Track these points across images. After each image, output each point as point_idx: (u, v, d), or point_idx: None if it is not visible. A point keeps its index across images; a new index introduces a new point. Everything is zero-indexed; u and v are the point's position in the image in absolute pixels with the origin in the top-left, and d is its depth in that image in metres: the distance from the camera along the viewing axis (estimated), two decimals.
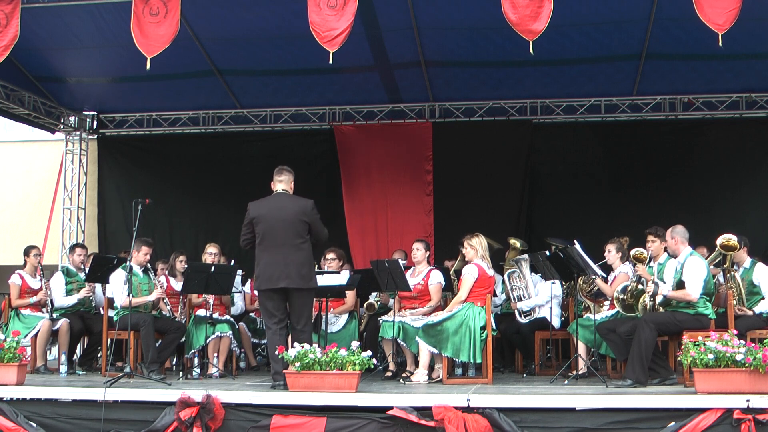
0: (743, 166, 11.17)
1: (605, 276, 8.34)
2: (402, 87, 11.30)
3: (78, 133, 12.59)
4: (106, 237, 12.49)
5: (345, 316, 8.97)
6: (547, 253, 8.71)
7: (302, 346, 6.91)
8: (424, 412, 6.43)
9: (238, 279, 9.08)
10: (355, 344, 7.01)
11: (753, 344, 6.51)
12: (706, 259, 7.94)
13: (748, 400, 6.13)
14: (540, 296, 9.03)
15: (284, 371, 6.96)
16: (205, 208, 12.28)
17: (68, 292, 9.27)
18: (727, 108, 11.24)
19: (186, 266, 8.89)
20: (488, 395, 6.70)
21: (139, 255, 8.66)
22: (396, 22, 9.57)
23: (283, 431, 6.56)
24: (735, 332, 6.67)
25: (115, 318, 8.57)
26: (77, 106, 12.29)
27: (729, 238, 7.99)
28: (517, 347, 9.24)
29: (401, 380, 8.07)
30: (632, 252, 7.97)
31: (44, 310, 9.10)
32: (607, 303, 8.41)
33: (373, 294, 9.37)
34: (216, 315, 8.82)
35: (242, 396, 6.87)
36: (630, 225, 9.66)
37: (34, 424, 6.91)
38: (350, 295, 8.94)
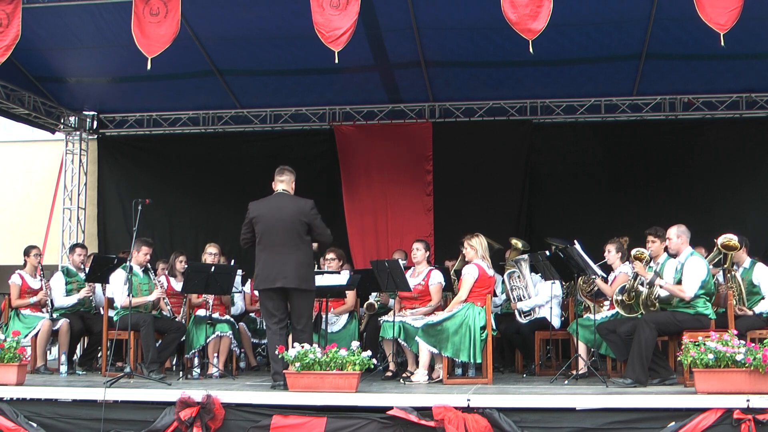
0: (743, 166, 11.17)
1: (605, 276, 8.34)
2: (402, 87, 11.30)
3: (78, 133, 12.60)
4: (106, 237, 12.49)
5: (345, 316, 8.97)
6: (547, 253, 8.70)
7: (302, 346, 6.91)
8: (424, 412, 6.43)
9: (238, 279, 9.08)
10: (355, 344, 7.01)
11: (753, 344, 6.51)
12: (705, 258, 7.93)
13: (748, 400, 6.13)
14: (540, 296, 9.03)
15: (284, 371, 6.96)
16: (205, 208, 12.28)
17: (68, 292, 9.27)
18: (727, 108, 11.24)
19: (186, 266, 8.89)
20: (488, 395, 6.70)
21: (139, 255, 8.66)
22: (396, 22, 9.57)
23: (283, 431, 6.56)
24: (735, 332, 6.67)
25: (115, 318, 8.57)
26: (77, 106, 12.29)
27: (730, 238, 8.00)
28: (517, 347, 9.24)
29: (401, 380, 8.06)
30: (633, 252, 7.97)
31: (44, 310, 9.10)
32: (607, 303, 8.41)
33: (373, 294, 9.37)
34: (216, 315, 8.82)
35: (242, 396, 6.87)
36: (630, 225, 9.66)
37: (34, 424, 6.91)
38: (350, 295, 8.94)
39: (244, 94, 11.72)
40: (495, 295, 9.07)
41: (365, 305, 9.36)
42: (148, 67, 7.81)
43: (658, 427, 6.21)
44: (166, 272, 9.28)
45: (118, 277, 8.62)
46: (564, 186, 11.59)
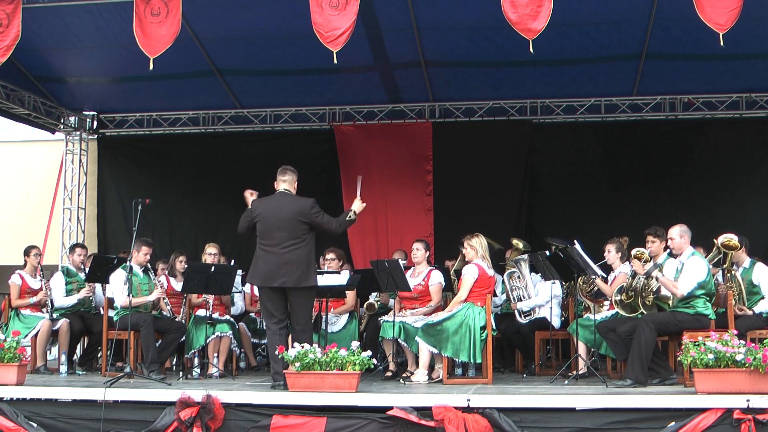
0: (743, 166, 11.17)
1: (605, 276, 8.34)
2: (402, 87, 11.30)
3: (78, 133, 12.59)
4: (106, 237, 12.48)
5: (345, 316, 8.97)
6: (547, 253, 8.70)
7: (302, 346, 6.91)
8: (424, 412, 6.43)
9: (238, 279, 9.08)
10: (355, 344, 7.01)
11: (753, 344, 6.51)
12: (705, 258, 7.93)
13: (748, 400, 6.13)
14: (540, 296, 9.03)
15: (284, 371, 6.96)
16: (205, 208, 12.28)
17: (68, 292, 9.27)
18: (727, 108, 11.24)
19: (186, 266, 8.89)
20: (488, 395, 6.71)
21: (139, 255, 8.66)
22: (396, 22, 9.57)
23: (283, 431, 6.56)
24: (735, 332, 6.67)
25: (115, 318, 8.57)
26: (77, 106, 12.29)
27: (730, 238, 8.00)
28: (517, 347, 9.24)
29: (401, 380, 8.07)
30: (633, 252, 7.97)
31: (44, 310, 9.10)
32: (607, 303, 8.41)
33: (373, 294, 9.37)
34: (216, 315, 8.82)
35: (242, 396, 6.87)
36: (630, 225, 9.65)
37: (34, 424, 6.91)
38: (350, 295, 8.94)
39: (244, 94, 11.72)
40: (495, 295, 9.07)
41: (365, 305, 9.36)
42: (151, 67, 7.82)
43: (658, 427, 6.22)
44: (166, 272, 9.28)
45: (118, 277, 8.62)
46: (564, 186, 11.59)
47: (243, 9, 9.24)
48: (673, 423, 6.18)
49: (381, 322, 8.50)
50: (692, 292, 7.37)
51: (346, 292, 8.77)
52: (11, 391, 7.14)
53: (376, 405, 6.59)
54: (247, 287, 9.70)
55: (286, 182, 7.59)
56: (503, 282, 9.40)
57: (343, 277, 8.35)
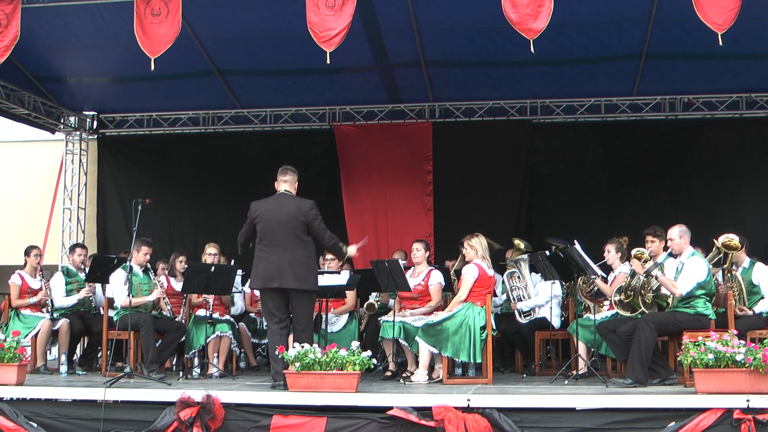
0: (743, 166, 11.17)
1: (605, 276, 8.34)
2: (402, 87, 11.30)
3: (78, 133, 12.59)
4: (106, 237, 12.49)
5: (345, 316, 8.97)
6: (547, 253, 8.70)
7: (302, 346, 6.91)
8: (424, 412, 6.43)
9: (238, 279, 9.09)
10: (355, 344, 7.01)
11: (753, 344, 6.51)
12: (704, 258, 7.93)
13: (748, 400, 6.13)
14: (540, 296, 9.03)
15: (284, 371, 6.96)
16: (205, 208, 12.28)
17: (68, 293, 9.28)
18: (727, 108, 11.24)
19: (186, 266, 8.89)
20: (488, 395, 6.70)
21: (139, 255, 8.66)
22: (396, 22, 9.57)
23: (283, 431, 6.56)
24: (735, 332, 6.67)
25: (115, 318, 8.57)
26: (77, 106, 12.29)
27: (731, 238, 8.00)
28: (517, 347, 9.24)
29: (401, 380, 8.07)
30: (633, 252, 7.97)
31: (44, 310, 9.10)
32: (607, 303, 8.41)
33: (373, 294, 9.38)
34: (216, 315, 8.82)
35: (242, 396, 6.87)
36: (630, 225, 9.64)
37: (35, 424, 6.91)
38: (350, 295, 8.95)
39: (244, 94, 11.72)
40: (495, 295, 9.07)
41: (365, 305, 9.36)
42: (152, 67, 7.82)
43: (658, 427, 6.22)
44: (166, 272, 9.28)
45: (118, 277, 8.62)
46: (564, 186, 11.59)
47: (243, 9, 9.24)
48: (673, 423, 6.18)
49: (381, 322, 8.50)
50: (692, 292, 7.37)
51: (346, 292, 8.77)
52: (11, 391, 7.14)
53: (376, 405, 6.59)
54: (247, 287, 9.70)
55: (286, 182, 7.58)
56: (503, 282, 9.40)
57: (343, 277, 8.35)
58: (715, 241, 8.11)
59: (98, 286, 9.42)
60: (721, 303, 7.83)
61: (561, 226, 11.02)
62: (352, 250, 7.87)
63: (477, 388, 7.31)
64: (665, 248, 7.83)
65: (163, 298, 8.76)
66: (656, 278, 7.59)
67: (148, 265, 8.82)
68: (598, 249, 8.59)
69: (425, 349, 7.98)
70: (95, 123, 12.61)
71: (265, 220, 7.42)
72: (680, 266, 7.52)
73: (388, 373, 8.35)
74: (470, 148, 11.56)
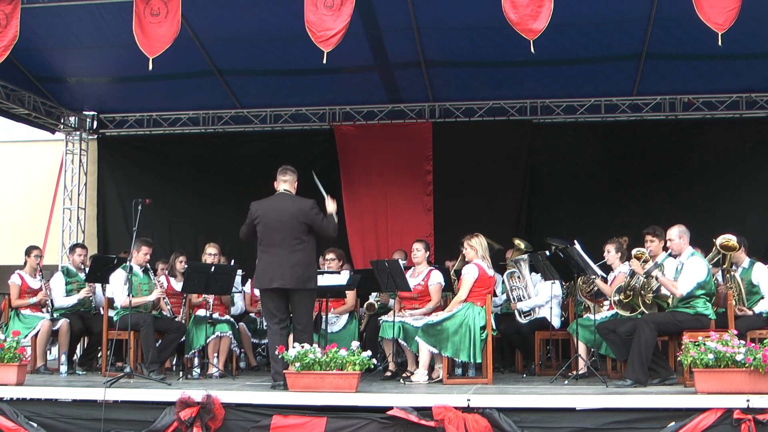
0: (743, 166, 11.17)
1: (605, 276, 8.34)
2: (402, 87, 11.30)
3: (78, 133, 12.59)
4: (106, 237, 12.49)
5: (345, 316, 8.97)
6: (547, 253, 8.70)
7: (302, 346, 6.91)
8: (424, 412, 6.43)
9: (238, 279, 9.09)
10: (355, 344, 7.01)
11: (753, 344, 6.51)
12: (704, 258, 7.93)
13: (748, 400, 6.13)
14: (540, 296, 9.03)
15: (284, 371, 6.96)
16: (205, 208, 12.28)
17: (68, 293, 9.28)
18: (727, 108, 11.24)
19: (186, 266, 8.89)
20: (488, 395, 6.71)
21: (139, 255, 8.66)
22: (396, 22, 9.57)
23: (283, 431, 6.56)
24: (735, 332, 6.67)
25: (115, 318, 8.57)
26: (77, 106, 12.29)
27: (729, 239, 7.99)
28: (517, 347, 9.24)
29: (401, 380, 8.07)
30: (633, 252, 7.97)
31: (44, 310, 9.10)
32: (606, 303, 8.41)
33: (373, 294, 9.37)
34: (216, 315, 8.82)
35: (242, 396, 6.87)
36: (630, 225, 9.64)
37: (35, 424, 6.91)
38: (350, 295, 8.94)
39: (244, 94, 11.72)
40: (495, 295, 9.07)
41: (365, 305, 9.36)
42: (150, 67, 7.81)
43: (658, 427, 6.22)
44: (166, 272, 9.28)
45: (118, 277, 8.62)
46: (564, 186, 11.59)
47: (243, 9, 9.24)
48: (673, 423, 6.18)
49: (381, 322, 8.50)
50: (692, 292, 7.37)
51: (346, 292, 8.77)
52: (11, 391, 7.14)
53: (376, 405, 6.59)
54: (248, 287, 9.71)
55: (286, 182, 7.58)
56: (503, 282, 9.40)
57: (343, 277, 8.35)
58: (714, 241, 8.11)
59: (98, 286, 9.42)
60: (721, 303, 7.83)
61: (561, 226, 11.02)
62: (330, 206, 7.64)
63: (477, 388, 7.31)
64: (665, 248, 7.83)
65: (163, 298, 8.76)
66: (656, 279, 7.59)
67: (148, 265, 8.82)
68: (598, 249, 8.59)
69: (425, 349, 7.98)
70: (95, 123, 12.61)
71: (265, 221, 7.42)
72: (680, 266, 7.52)
73: (388, 373, 8.35)
74: (470, 148, 11.56)
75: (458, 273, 8.95)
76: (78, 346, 9.87)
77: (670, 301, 7.64)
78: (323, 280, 7.94)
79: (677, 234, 7.57)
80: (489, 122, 11.65)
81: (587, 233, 9.38)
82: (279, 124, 12.17)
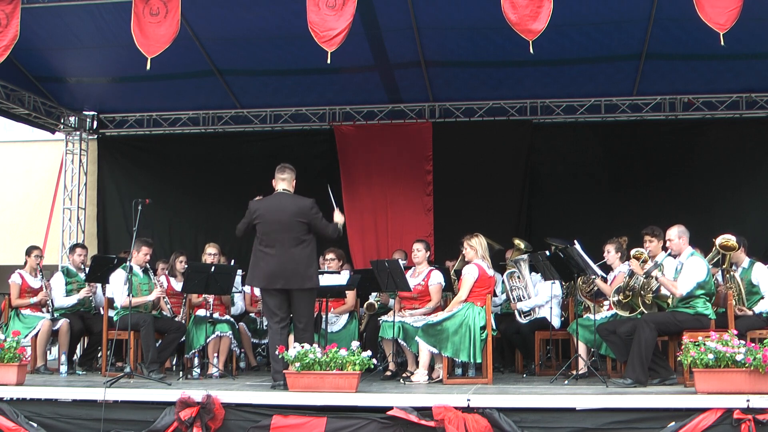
0: (743, 166, 11.17)
1: (605, 276, 8.34)
2: (402, 87, 11.30)
3: (78, 133, 12.60)
4: (106, 237, 12.49)
5: (345, 316, 8.97)
6: (547, 253, 8.70)
7: (302, 346, 6.91)
8: (424, 412, 6.43)
9: (238, 279, 9.08)
10: (355, 344, 7.01)
11: (753, 344, 6.51)
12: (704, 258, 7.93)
13: (748, 400, 6.13)
14: (540, 296, 9.03)
15: (284, 371, 6.96)
16: (205, 208, 12.28)
17: (68, 293, 9.28)
18: (727, 108, 11.24)
19: (186, 266, 8.89)
20: (488, 395, 6.71)
21: (139, 255, 8.66)
22: (396, 22, 9.57)
23: (283, 431, 6.56)
24: (735, 332, 6.67)
25: (115, 318, 8.57)
26: (77, 106, 12.29)
27: (728, 239, 7.99)
28: (517, 347, 9.24)
29: (401, 380, 8.07)
30: (632, 252, 7.97)
31: (44, 310, 9.10)
32: (606, 303, 8.41)
33: (373, 294, 9.37)
34: (216, 315, 8.82)
35: (242, 396, 6.87)
36: (630, 225, 9.65)
37: (35, 424, 6.91)
38: (350, 295, 8.94)
39: (244, 94, 11.72)
40: (495, 295, 9.07)
41: (365, 305, 9.36)
42: (148, 67, 7.81)
43: (658, 427, 6.22)
44: (166, 272, 9.28)
45: (118, 277, 8.62)
46: (564, 186, 11.59)
47: (243, 9, 9.24)
48: (673, 423, 6.18)
49: (381, 322, 8.50)
50: (692, 292, 7.37)
51: (346, 292, 8.77)
52: (11, 391, 7.14)
53: (376, 405, 6.59)
54: (248, 287, 9.70)
55: (285, 181, 7.58)
56: (503, 282, 9.39)
57: (343, 277, 8.35)
58: (714, 241, 8.12)
59: (98, 286, 9.42)
60: (721, 303, 7.83)
61: (561, 226, 11.02)
62: (339, 218, 7.72)
63: (477, 388, 7.31)
64: (664, 248, 7.83)
65: (163, 298, 8.76)
66: (656, 279, 7.59)
67: (148, 265, 8.82)
68: (598, 249, 8.59)
69: (425, 349, 7.98)
70: (95, 123, 12.62)
71: (265, 220, 7.41)
72: (679, 266, 7.52)
73: (388, 373, 8.35)
74: (470, 148, 11.57)
75: (458, 273, 8.95)
76: (78, 346, 9.87)
77: (669, 301, 7.64)
78: (323, 280, 7.94)
79: (677, 234, 7.56)
80: (489, 122, 11.65)
81: (587, 233, 9.38)
82: (279, 124, 12.17)
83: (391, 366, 8.45)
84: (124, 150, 12.67)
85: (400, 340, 8.26)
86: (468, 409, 6.40)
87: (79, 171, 12.61)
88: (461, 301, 8.05)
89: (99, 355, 9.38)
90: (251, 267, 7.51)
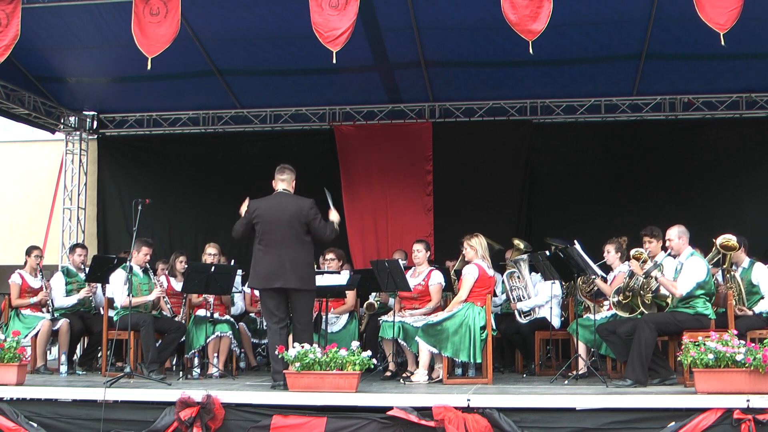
0: (743, 166, 11.17)
1: (605, 276, 8.34)
2: (402, 87, 11.30)
3: (78, 133, 12.60)
4: (106, 237, 12.49)
5: (345, 316, 8.97)
6: (547, 253, 8.70)
7: (302, 346, 6.91)
8: (424, 412, 6.43)
9: (238, 279, 9.08)
10: (355, 344, 7.00)
11: (753, 344, 6.51)
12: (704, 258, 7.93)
13: (748, 400, 6.13)
14: (540, 296, 9.03)
15: (284, 371, 6.96)
16: (205, 208, 12.28)
17: (68, 293, 9.28)
18: (727, 108, 11.24)
19: (186, 266, 8.89)
20: (488, 395, 6.70)
21: (139, 255, 8.66)
22: (396, 22, 9.57)
23: (283, 431, 6.56)
24: (735, 332, 6.67)
25: (115, 318, 8.57)
26: (77, 106, 12.29)
27: (729, 239, 7.99)
28: (517, 347, 9.24)
29: (401, 380, 8.07)
30: (632, 252, 7.96)
31: (44, 310, 9.10)
32: (606, 303, 8.40)
33: (373, 294, 9.37)
34: (216, 315, 8.82)
35: (242, 396, 6.87)
36: (630, 225, 9.64)
37: (35, 424, 6.91)
38: (350, 295, 8.94)
39: (244, 94, 11.73)
40: (495, 295, 9.07)
41: (365, 305, 9.35)
42: (148, 67, 7.82)
43: (658, 427, 6.21)
44: (166, 272, 9.28)
45: (118, 277, 8.62)
46: (564, 186, 11.60)
47: (243, 9, 9.24)
48: (673, 423, 6.18)
49: (381, 322, 8.50)
50: (691, 292, 7.37)
51: (346, 292, 8.77)
52: (11, 391, 7.14)
53: (376, 405, 6.59)
54: (247, 287, 9.69)
55: (284, 181, 7.58)
56: (503, 282, 9.40)
57: (343, 277, 8.35)
58: (714, 241, 8.12)
59: (98, 286, 9.42)
60: (721, 303, 7.83)
61: (561, 226, 11.02)
62: (334, 217, 7.67)
63: (477, 388, 7.31)
64: (663, 248, 7.83)
65: (163, 298, 8.76)
66: (656, 279, 7.59)
67: (148, 265, 8.82)
68: (598, 249, 8.59)
69: (425, 349, 7.98)
70: (95, 123, 12.62)
71: (265, 221, 7.41)
72: (679, 266, 7.52)
73: (388, 373, 8.35)
74: (470, 148, 11.57)
75: (458, 273, 8.95)
76: (78, 346, 9.87)
77: (669, 301, 7.64)
78: (323, 280, 7.94)
79: (677, 234, 7.56)
80: (489, 122, 11.65)
81: (587, 233, 9.38)
82: (279, 124, 12.17)
83: (391, 366, 8.45)
84: (124, 150, 12.67)
85: (400, 340, 8.26)
86: (468, 409, 6.40)
87: (79, 171, 12.61)
88: (461, 301, 8.05)
89: (99, 355, 9.38)
90: (251, 268, 7.51)
